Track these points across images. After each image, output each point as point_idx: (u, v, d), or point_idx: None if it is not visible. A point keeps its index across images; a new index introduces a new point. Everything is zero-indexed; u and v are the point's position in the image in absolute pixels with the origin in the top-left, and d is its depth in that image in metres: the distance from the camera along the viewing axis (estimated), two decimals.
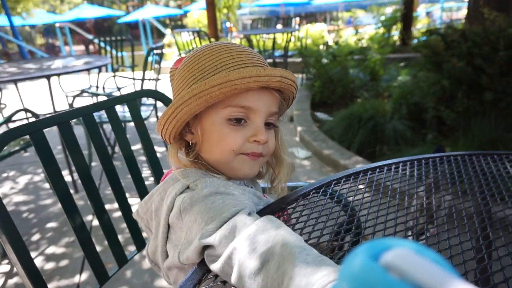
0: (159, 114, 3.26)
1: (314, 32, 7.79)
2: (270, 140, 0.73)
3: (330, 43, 6.17)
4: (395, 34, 7.51)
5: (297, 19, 6.90)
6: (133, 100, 1.04)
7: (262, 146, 0.71)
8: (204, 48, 0.73)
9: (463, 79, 2.78)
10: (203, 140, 0.72)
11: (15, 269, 1.94)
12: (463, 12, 8.58)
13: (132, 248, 1.10)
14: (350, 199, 0.81)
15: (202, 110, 0.69)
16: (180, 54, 5.11)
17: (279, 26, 7.25)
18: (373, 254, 0.23)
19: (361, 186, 0.85)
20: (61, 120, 0.87)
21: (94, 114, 0.97)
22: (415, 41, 5.86)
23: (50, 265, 1.96)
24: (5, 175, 3.11)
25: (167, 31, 9.57)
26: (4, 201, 0.75)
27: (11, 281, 1.86)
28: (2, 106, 3.20)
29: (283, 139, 0.81)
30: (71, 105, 2.82)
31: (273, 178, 0.84)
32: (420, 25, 8.45)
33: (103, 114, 2.55)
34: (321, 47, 6.25)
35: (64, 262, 1.98)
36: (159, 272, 0.76)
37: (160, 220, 0.69)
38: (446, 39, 2.88)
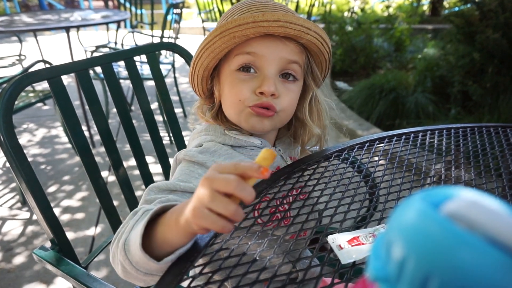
0: (177, 74, 3.21)
1: None
2: (283, 94, 0.67)
3: (356, 9, 5.90)
4: (425, 3, 7.12)
5: None
6: (152, 52, 1.01)
7: (274, 100, 0.66)
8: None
9: (496, 52, 2.63)
10: (221, 95, 0.72)
11: (34, 217, 2.01)
12: None
13: None
14: (371, 169, 0.78)
15: (220, 66, 0.70)
16: (200, 14, 4.97)
17: None
18: (433, 202, 0.19)
19: (377, 158, 0.81)
20: (80, 67, 0.84)
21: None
22: (446, 12, 5.55)
23: (66, 217, 2.02)
24: (24, 126, 3.16)
25: None
26: None
27: (30, 228, 1.93)
28: (22, 57, 3.19)
29: (321, 106, 0.74)
30: None
31: (296, 144, 0.80)
32: None
33: (121, 71, 2.54)
34: (345, 13, 5.98)
35: (79, 215, 2.04)
36: None
37: None
38: (483, 8, 2.70)
